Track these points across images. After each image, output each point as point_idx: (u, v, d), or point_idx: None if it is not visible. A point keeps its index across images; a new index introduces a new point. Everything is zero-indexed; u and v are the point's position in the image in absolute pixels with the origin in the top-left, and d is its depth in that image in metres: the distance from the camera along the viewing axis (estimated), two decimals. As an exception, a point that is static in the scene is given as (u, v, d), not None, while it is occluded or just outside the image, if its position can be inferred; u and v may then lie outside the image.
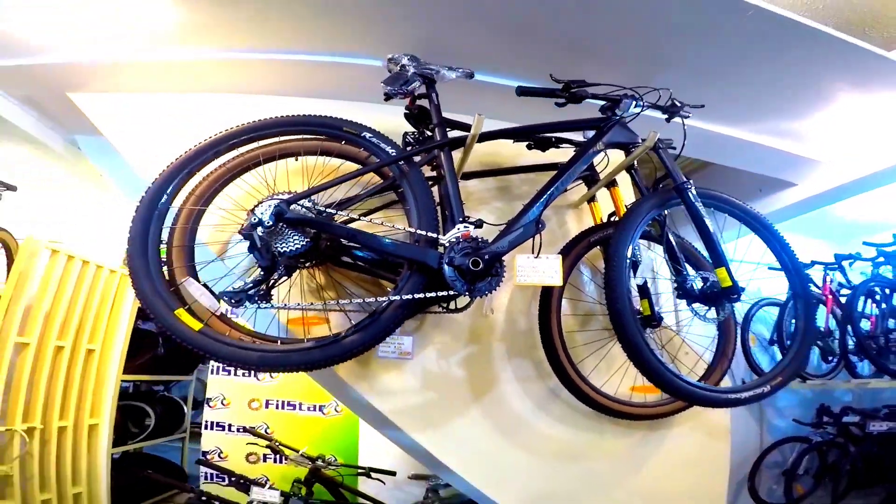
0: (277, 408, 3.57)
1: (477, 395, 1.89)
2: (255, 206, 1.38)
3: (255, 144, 1.65)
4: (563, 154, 1.84)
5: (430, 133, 1.71)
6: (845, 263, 3.96)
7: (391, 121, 1.80)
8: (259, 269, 1.40)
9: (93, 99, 2.09)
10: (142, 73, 2.02)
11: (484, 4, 1.70)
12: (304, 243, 1.40)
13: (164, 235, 1.50)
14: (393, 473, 2.99)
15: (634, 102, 1.67)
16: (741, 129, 2.34)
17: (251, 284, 1.35)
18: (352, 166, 1.66)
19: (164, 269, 1.42)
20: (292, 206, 1.37)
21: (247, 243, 1.38)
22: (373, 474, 2.95)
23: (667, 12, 1.70)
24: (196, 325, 1.32)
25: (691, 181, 1.64)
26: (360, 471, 3.06)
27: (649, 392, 2.01)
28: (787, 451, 4.31)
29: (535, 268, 1.48)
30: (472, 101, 1.86)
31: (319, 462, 2.83)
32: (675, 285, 1.66)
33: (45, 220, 3.07)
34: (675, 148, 1.77)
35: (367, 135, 1.62)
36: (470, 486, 1.96)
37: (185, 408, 4.40)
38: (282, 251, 1.37)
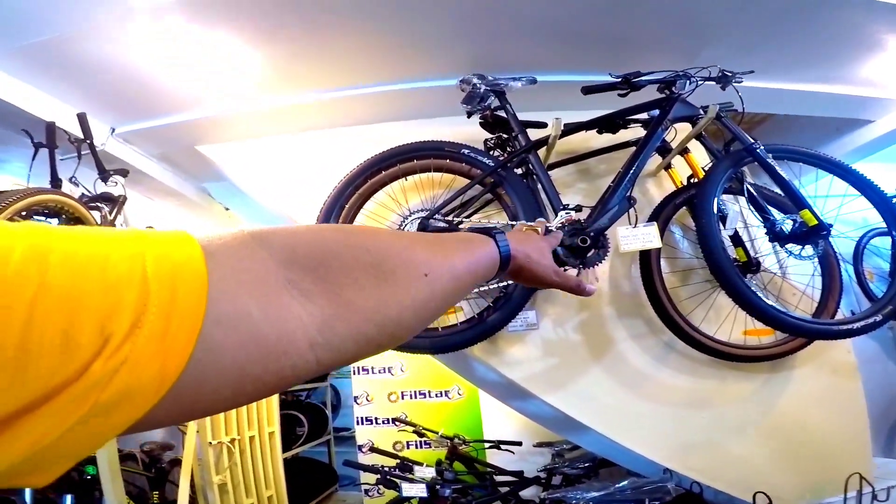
0: (411, 398, 3.96)
1: (596, 356, 2.09)
2: (402, 223, 1.76)
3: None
4: (630, 133, 2.02)
5: (505, 136, 1.97)
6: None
7: (470, 130, 2.06)
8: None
9: (217, 149, 2.43)
10: (252, 120, 2.32)
11: (533, 17, 1.86)
12: (441, 247, 1.75)
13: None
14: (519, 444, 3.20)
15: (688, 81, 1.84)
16: (798, 82, 2.37)
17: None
18: (456, 178, 1.98)
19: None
20: (430, 220, 1.74)
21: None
22: (501, 446, 3.17)
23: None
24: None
25: (758, 141, 1.79)
26: (489, 445, 3.30)
27: (763, 334, 2.07)
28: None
29: (636, 236, 1.73)
30: (540, 100, 2.06)
31: (456, 440, 3.16)
32: (766, 230, 1.82)
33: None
34: (735, 110, 1.90)
35: (466, 151, 1.93)
36: (602, 441, 2.10)
37: (327, 412, 4.92)
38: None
